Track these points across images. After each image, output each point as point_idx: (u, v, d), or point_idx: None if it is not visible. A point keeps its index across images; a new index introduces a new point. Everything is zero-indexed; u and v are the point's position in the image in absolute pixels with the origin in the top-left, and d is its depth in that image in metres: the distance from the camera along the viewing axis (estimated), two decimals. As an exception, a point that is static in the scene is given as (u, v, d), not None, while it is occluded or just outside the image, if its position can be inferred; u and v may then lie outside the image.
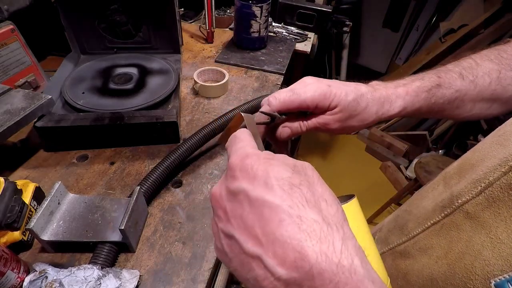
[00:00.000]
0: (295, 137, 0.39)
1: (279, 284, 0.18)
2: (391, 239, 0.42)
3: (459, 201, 0.31)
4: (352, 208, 0.29)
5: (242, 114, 0.29)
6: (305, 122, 0.38)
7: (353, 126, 0.38)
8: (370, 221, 1.82)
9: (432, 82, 0.39)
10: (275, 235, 0.18)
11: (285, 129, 0.38)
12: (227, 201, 0.22)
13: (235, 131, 0.27)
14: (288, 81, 1.27)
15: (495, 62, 0.40)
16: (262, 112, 0.35)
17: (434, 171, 1.48)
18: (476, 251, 0.28)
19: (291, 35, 1.18)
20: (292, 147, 1.67)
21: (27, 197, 0.47)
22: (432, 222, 0.34)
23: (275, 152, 0.24)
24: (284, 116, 0.37)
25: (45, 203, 0.44)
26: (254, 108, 0.70)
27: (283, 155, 0.23)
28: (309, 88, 0.36)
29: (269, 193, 0.20)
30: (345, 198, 0.31)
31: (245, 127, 0.28)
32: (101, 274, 0.40)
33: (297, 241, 0.18)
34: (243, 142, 0.25)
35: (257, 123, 0.35)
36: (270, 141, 0.41)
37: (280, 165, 0.21)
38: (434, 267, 0.32)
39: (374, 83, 0.40)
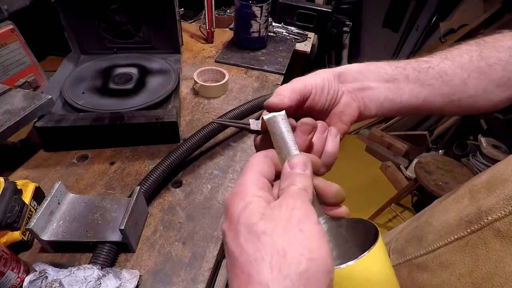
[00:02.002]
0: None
1: None
2: (408, 250, 0.40)
3: (489, 218, 0.29)
4: (372, 260, 0.21)
5: (264, 118, 0.25)
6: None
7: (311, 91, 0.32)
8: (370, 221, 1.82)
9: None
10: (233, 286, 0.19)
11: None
12: (223, 238, 0.23)
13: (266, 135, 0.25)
14: (288, 81, 1.27)
15: (473, 45, 0.37)
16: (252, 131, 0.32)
17: (434, 171, 1.48)
18: (508, 273, 0.26)
19: (291, 35, 1.18)
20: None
21: (27, 197, 0.47)
22: (456, 237, 0.32)
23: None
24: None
25: (45, 203, 0.44)
26: (254, 108, 0.70)
27: (265, 200, 0.22)
28: (311, 76, 0.34)
29: (233, 241, 0.20)
30: (365, 229, 0.25)
31: (270, 131, 0.26)
32: (101, 274, 0.40)
33: None
34: (248, 174, 0.23)
35: (243, 128, 0.32)
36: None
37: (253, 209, 0.20)
38: (456, 285, 0.31)
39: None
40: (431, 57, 0.36)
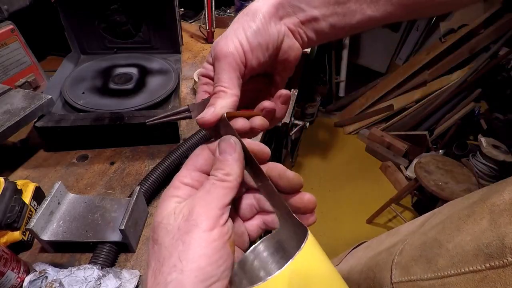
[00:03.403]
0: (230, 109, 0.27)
1: None
2: (414, 270, 0.37)
3: None
4: (292, 273, 0.19)
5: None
6: (216, 86, 0.27)
7: (249, 53, 0.27)
8: (370, 221, 1.82)
9: None
10: None
11: (208, 108, 0.27)
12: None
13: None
14: (288, 81, 1.27)
15: None
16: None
17: (434, 171, 1.48)
18: None
19: (291, 35, 1.18)
20: (292, 147, 1.67)
21: (27, 197, 0.47)
22: (471, 269, 0.29)
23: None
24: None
25: (45, 203, 0.44)
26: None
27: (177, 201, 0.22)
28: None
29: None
30: (295, 237, 0.23)
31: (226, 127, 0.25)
32: (101, 274, 0.40)
33: None
34: (181, 170, 0.24)
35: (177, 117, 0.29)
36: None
37: (161, 212, 0.22)
38: None
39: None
40: None
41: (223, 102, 0.25)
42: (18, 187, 0.46)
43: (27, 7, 0.73)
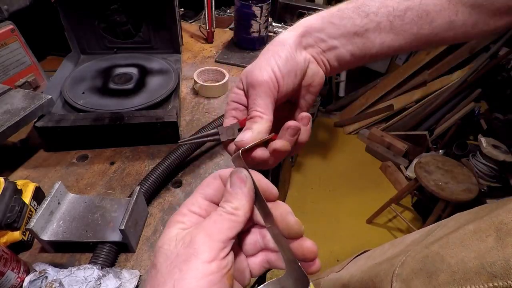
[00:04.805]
0: (265, 134, 0.29)
1: None
2: (414, 283, 0.36)
3: None
4: None
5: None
6: (252, 111, 0.30)
7: (281, 82, 0.30)
8: (370, 221, 1.82)
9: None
10: None
11: (245, 131, 0.30)
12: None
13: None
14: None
15: None
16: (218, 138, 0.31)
17: (434, 171, 1.48)
18: None
19: (291, 35, 1.18)
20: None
21: (27, 197, 0.47)
22: (473, 287, 0.28)
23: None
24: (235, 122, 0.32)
25: (45, 203, 0.44)
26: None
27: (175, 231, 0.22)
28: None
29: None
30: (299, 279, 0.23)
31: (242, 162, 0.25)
32: (101, 274, 0.40)
33: None
34: (191, 197, 0.24)
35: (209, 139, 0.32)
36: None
37: (164, 238, 0.21)
38: None
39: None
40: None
41: (260, 127, 0.28)
42: (18, 187, 0.46)
43: (27, 7, 0.73)
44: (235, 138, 0.29)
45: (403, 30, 0.31)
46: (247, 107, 0.30)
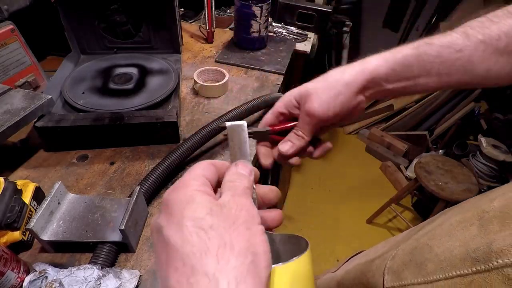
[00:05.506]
0: (299, 150, 0.39)
1: None
2: (404, 275, 0.37)
3: (499, 261, 0.25)
4: (294, 268, 0.23)
5: (226, 124, 0.27)
6: (298, 131, 0.38)
7: (331, 118, 0.36)
8: (370, 221, 1.82)
9: (420, 41, 0.36)
10: (168, 284, 0.18)
11: (286, 143, 0.39)
12: (154, 233, 0.21)
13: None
14: (288, 81, 1.27)
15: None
16: (252, 133, 0.38)
17: (434, 171, 1.48)
18: None
19: (291, 35, 1.18)
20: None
21: (27, 197, 0.47)
22: (458, 273, 0.29)
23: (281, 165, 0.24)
24: (269, 129, 0.39)
25: (45, 203, 0.44)
26: (254, 108, 0.70)
27: (209, 195, 0.22)
28: (281, 99, 0.39)
29: (175, 234, 0.19)
30: (296, 243, 0.27)
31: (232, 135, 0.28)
32: (101, 274, 0.40)
33: None
34: (190, 173, 0.24)
35: (251, 135, 0.37)
36: (279, 160, 0.41)
37: (199, 203, 0.20)
38: None
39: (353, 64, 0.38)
40: (467, 38, 0.34)
41: (299, 144, 0.38)
42: (18, 187, 0.46)
43: (27, 7, 0.73)
44: (263, 132, 0.39)
45: (447, 76, 0.34)
46: (288, 116, 0.39)
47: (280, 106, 0.39)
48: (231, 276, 0.17)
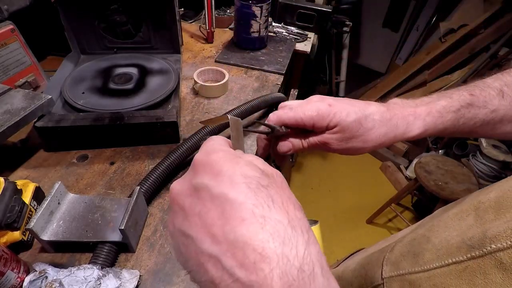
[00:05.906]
0: (296, 152, 0.39)
1: (236, 286, 0.17)
2: (402, 265, 0.38)
3: (493, 246, 0.26)
4: (316, 232, 0.27)
5: (228, 116, 0.28)
6: (306, 139, 0.38)
7: (356, 147, 0.37)
8: (370, 221, 1.82)
9: (461, 101, 0.36)
10: (236, 234, 0.17)
11: (286, 143, 0.38)
12: (186, 197, 0.21)
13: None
14: (288, 81, 1.27)
15: None
16: (262, 124, 0.37)
17: (434, 171, 1.48)
18: None
19: (291, 35, 1.18)
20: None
21: (27, 197, 0.47)
22: (454, 260, 0.30)
23: (276, 165, 0.24)
24: (284, 129, 0.37)
25: (45, 203, 0.44)
26: (254, 108, 0.70)
27: (253, 156, 0.23)
28: (308, 107, 0.35)
29: (233, 189, 0.19)
30: (310, 222, 0.30)
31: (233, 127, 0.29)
32: (101, 274, 0.40)
33: (258, 241, 0.17)
34: (214, 140, 0.24)
35: (257, 132, 0.38)
36: (272, 154, 0.41)
37: (248, 165, 0.21)
38: None
39: (392, 101, 0.38)
40: (503, 98, 0.36)
41: (298, 148, 0.39)
42: (18, 187, 0.46)
43: (27, 7, 0.73)
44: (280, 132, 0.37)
45: (475, 134, 0.38)
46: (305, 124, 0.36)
47: (311, 115, 0.36)
48: (302, 225, 0.19)
